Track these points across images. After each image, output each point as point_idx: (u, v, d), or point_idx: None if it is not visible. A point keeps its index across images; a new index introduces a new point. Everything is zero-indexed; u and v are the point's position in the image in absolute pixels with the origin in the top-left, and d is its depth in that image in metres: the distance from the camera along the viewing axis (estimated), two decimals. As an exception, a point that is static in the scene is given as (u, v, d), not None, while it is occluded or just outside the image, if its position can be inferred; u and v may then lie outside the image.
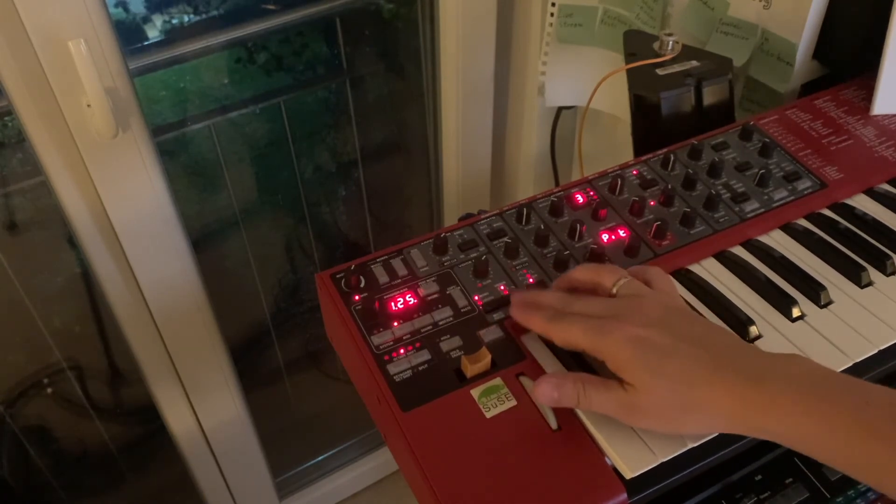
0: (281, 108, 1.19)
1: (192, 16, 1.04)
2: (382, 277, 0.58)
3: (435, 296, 0.57)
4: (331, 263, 1.27)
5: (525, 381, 0.51)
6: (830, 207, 0.66)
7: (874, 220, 0.63)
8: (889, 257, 0.60)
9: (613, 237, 0.62)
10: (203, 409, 1.22)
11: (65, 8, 0.76)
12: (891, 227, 0.63)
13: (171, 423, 1.22)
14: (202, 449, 1.29)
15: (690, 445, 0.47)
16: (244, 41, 1.10)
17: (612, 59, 0.97)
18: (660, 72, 0.74)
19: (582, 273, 0.54)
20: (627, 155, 0.73)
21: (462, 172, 1.28)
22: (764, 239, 0.63)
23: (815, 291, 0.57)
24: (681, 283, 0.59)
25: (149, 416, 1.22)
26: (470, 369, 0.51)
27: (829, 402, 0.42)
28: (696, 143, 0.68)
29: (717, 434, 0.47)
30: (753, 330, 0.54)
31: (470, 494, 0.45)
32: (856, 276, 0.58)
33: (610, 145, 1.14)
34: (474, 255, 0.60)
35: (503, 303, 0.56)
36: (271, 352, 1.45)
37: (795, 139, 0.70)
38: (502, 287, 0.57)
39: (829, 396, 0.42)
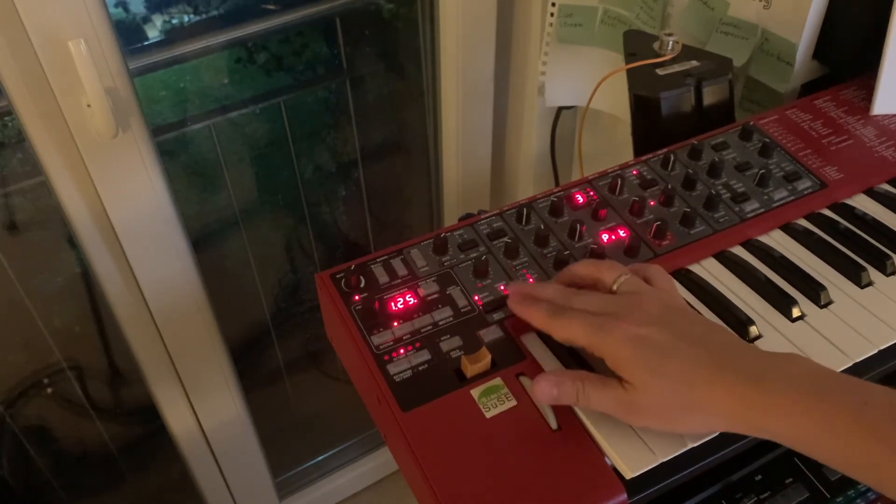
0: (281, 108, 1.19)
1: (192, 16, 1.04)
2: (382, 277, 0.58)
3: (435, 296, 0.57)
4: (331, 263, 1.27)
5: (525, 381, 0.51)
6: (830, 207, 0.66)
7: (874, 220, 0.63)
8: (889, 257, 0.60)
9: (613, 237, 0.62)
10: (203, 409, 1.22)
11: (65, 8, 0.76)
12: (891, 227, 0.63)
13: (171, 423, 1.22)
14: (202, 449, 1.29)
15: (690, 445, 0.47)
16: (244, 41, 1.10)
17: (612, 59, 0.97)
18: (660, 72, 0.74)
19: (583, 268, 0.54)
20: (627, 155, 0.73)
21: (462, 172, 1.28)
22: (764, 239, 0.63)
23: (815, 291, 0.57)
24: (681, 283, 0.59)
25: (149, 416, 1.22)
26: (470, 369, 0.51)
27: (828, 401, 0.42)
28: (696, 143, 0.68)
29: (717, 434, 0.47)
30: (753, 330, 0.54)
31: (470, 494, 0.45)
32: (856, 276, 0.58)
33: (610, 145, 1.14)
34: (474, 255, 0.60)
35: (503, 303, 0.56)
36: (271, 352, 1.45)
37: (795, 139, 0.70)
38: (502, 287, 0.57)
39: (829, 396, 0.42)
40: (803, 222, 0.64)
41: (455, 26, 1.09)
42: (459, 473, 0.46)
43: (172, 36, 1.04)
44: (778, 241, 0.63)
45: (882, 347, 0.53)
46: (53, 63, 0.79)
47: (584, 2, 0.96)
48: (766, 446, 0.55)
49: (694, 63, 0.75)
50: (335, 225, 1.41)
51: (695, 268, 0.61)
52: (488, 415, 0.49)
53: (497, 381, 0.51)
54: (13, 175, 1.01)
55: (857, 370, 0.52)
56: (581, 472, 0.46)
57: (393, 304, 0.56)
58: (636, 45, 0.79)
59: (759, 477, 0.57)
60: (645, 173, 0.67)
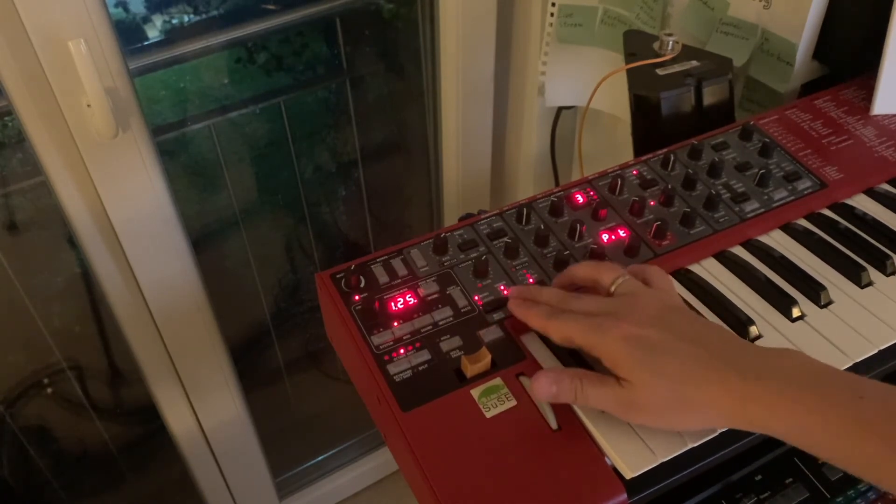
0: (281, 108, 1.19)
1: (192, 16, 1.04)
2: (382, 277, 0.58)
3: (435, 296, 0.57)
4: (331, 263, 1.27)
5: (525, 381, 0.51)
6: (830, 207, 0.66)
7: (874, 220, 0.63)
8: (889, 257, 0.60)
9: (613, 237, 0.62)
10: (203, 409, 1.22)
11: (65, 8, 0.76)
12: (891, 227, 0.63)
13: (171, 423, 1.22)
14: (202, 449, 1.29)
15: (690, 445, 0.47)
16: (244, 41, 1.10)
17: (612, 59, 0.97)
18: (660, 72, 0.74)
19: (581, 270, 0.54)
20: (627, 155, 0.73)
21: (462, 172, 1.28)
22: (764, 239, 0.63)
23: (815, 291, 0.57)
24: (681, 283, 0.59)
25: (149, 416, 1.22)
26: (470, 369, 0.51)
27: (823, 397, 0.42)
28: (696, 143, 0.68)
29: (717, 434, 0.47)
30: (753, 330, 0.54)
31: (470, 494, 0.45)
32: (856, 276, 0.58)
33: (610, 145, 1.14)
34: (474, 255, 0.60)
35: (503, 303, 0.56)
36: (271, 352, 1.45)
37: (795, 139, 0.70)
38: (502, 287, 0.57)
39: (824, 391, 0.42)
40: (803, 222, 0.64)
41: (455, 26, 1.09)
42: (459, 473, 0.46)
43: (172, 36, 1.04)
44: (778, 241, 0.63)
45: (882, 347, 0.53)
46: (53, 63, 0.79)
47: (584, 2, 0.96)
48: (766, 446, 0.55)
49: (694, 63, 0.75)
50: (335, 225, 1.41)
51: (695, 268, 0.61)
52: (488, 415, 0.49)
53: (497, 381, 0.51)
54: (13, 175, 1.01)
55: (857, 370, 0.52)
56: (581, 472, 0.46)
57: (393, 304, 0.56)
58: (636, 45, 0.79)
59: (759, 477, 0.57)
60: (645, 173, 0.67)
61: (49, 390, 1.20)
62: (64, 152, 0.87)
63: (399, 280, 0.58)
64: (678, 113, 0.73)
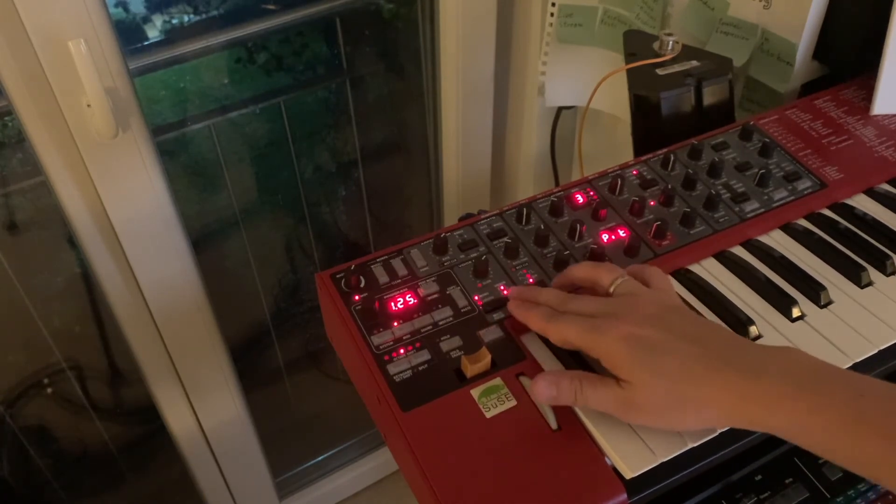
0: (281, 108, 1.19)
1: (192, 16, 1.04)
2: (382, 277, 0.58)
3: (435, 296, 0.57)
4: (331, 263, 1.27)
5: (525, 381, 0.51)
6: (830, 207, 0.66)
7: (874, 220, 0.63)
8: (889, 257, 0.60)
9: (613, 237, 0.62)
10: (203, 409, 1.22)
11: (65, 8, 0.76)
12: (891, 227, 0.63)
13: (171, 423, 1.22)
14: (202, 449, 1.29)
15: (690, 445, 0.47)
16: (244, 41, 1.10)
17: (612, 59, 0.97)
18: (660, 72, 0.74)
19: (580, 271, 0.54)
20: (627, 155, 0.73)
21: (462, 172, 1.28)
22: (764, 239, 0.63)
23: (815, 291, 0.57)
24: (681, 283, 0.59)
25: (149, 416, 1.22)
26: (470, 369, 0.51)
27: (823, 394, 0.42)
28: (696, 143, 0.68)
29: (717, 434, 0.47)
30: (753, 330, 0.54)
31: (470, 494, 0.45)
32: (856, 276, 0.58)
33: (610, 145, 1.14)
34: (474, 255, 0.60)
35: (503, 303, 0.56)
36: (271, 352, 1.45)
37: (795, 139, 0.70)
38: (502, 287, 0.57)
39: (824, 389, 0.42)
40: (803, 222, 0.64)
41: (455, 26, 1.09)
42: (459, 473, 0.46)
43: (172, 36, 1.04)
44: (778, 241, 0.63)
45: (882, 347, 0.53)
46: (53, 63, 0.79)
47: (584, 2, 0.96)
48: (766, 446, 0.55)
49: (694, 63, 0.75)
50: (335, 225, 1.41)
51: (695, 268, 0.61)
52: (488, 415, 0.49)
53: (497, 381, 0.51)
54: (13, 175, 1.01)
55: (857, 370, 0.52)
56: (581, 472, 0.46)
57: (393, 304, 0.56)
58: (636, 45, 0.79)
59: (759, 477, 0.57)
60: (645, 173, 0.67)
61: (49, 390, 1.20)
62: (64, 152, 0.87)
63: (399, 280, 0.58)
64: (678, 113, 0.73)
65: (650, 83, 0.73)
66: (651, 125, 0.74)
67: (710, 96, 0.74)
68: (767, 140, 0.69)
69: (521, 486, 0.45)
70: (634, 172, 0.67)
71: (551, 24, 0.98)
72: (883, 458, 0.40)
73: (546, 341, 0.54)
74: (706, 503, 0.55)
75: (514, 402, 0.49)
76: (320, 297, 0.60)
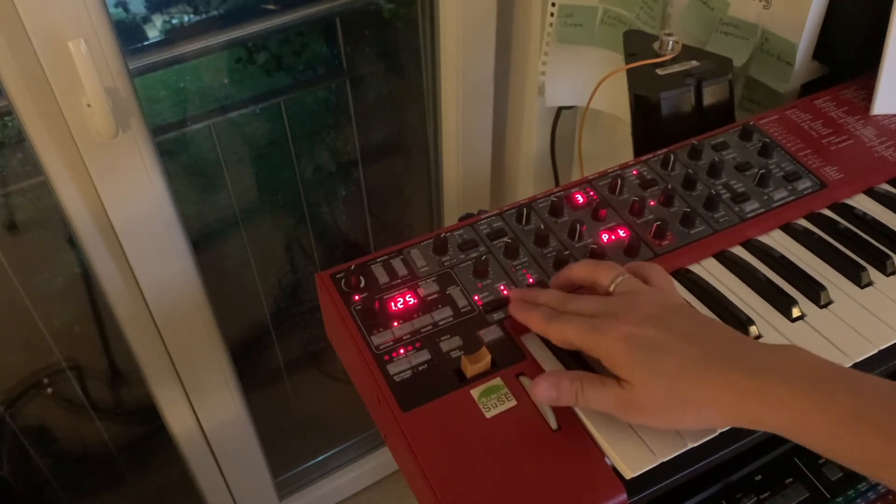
0: (281, 108, 1.19)
1: (192, 16, 1.04)
2: (382, 277, 0.58)
3: (435, 296, 0.57)
4: (331, 263, 1.27)
5: (525, 381, 0.51)
6: (830, 207, 0.66)
7: (874, 220, 0.63)
8: (889, 257, 0.60)
9: (613, 237, 0.62)
10: (203, 409, 1.22)
11: (65, 8, 0.76)
12: (891, 227, 0.63)
13: (171, 423, 1.22)
14: (202, 449, 1.29)
15: (690, 445, 0.47)
16: (244, 41, 1.10)
17: (612, 59, 0.97)
18: (660, 72, 0.74)
19: (579, 270, 0.54)
20: (627, 155, 0.73)
21: (462, 172, 1.28)
22: (764, 239, 0.63)
23: (815, 291, 0.57)
24: (681, 283, 0.59)
25: (149, 416, 1.22)
26: (470, 369, 0.51)
27: (824, 392, 0.42)
28: (696, 143, 0.68)
29: (717, 433, 0.47)
30: (753, 330, 0.54)
31: (470, 494, 0.45)
32: (856, 276, 0.58)
33: (610, 145, 1.14)
34: (474, 255, 0.60)
35: (503, 303, 0.56)
36: (271, 352, 1.45)
37: (795, 139, 0.70)
38: (502, 287, 0.57)
39: (825, 387, 0.42)
40: (803, 222, 0.64)
41: (455, 26, 1.09)
42: (459, 473, 0.46)
43: (172, 36, 1.04)
44: (778, 241, 0.63)
45: (882, 347, 0.53)
46: (53, 63, 0.79)
47: (584, 2, 0.96)
48: (766, 446, 0.55)
49: (694, 63, 0.75)
50: (335, 225, 1.41)
51: (695, 268, 0.61)
52: (488, 415, 0.49)
53: (497, 381, 0.51)
54: (13, 175, 1.01)
55: (857, 370, 0.52)
56: (581, 472, 0.46)
57: (393, 304, 0.56)
58: (636, 45, 0.79)
59: (759, 477, 0.57)
60: (645, 173, 0.67)
61: (49, 390, 1.20)
62: (64, 152, 0.87)
63: (399, 280, 0.58)
64: (678, 113, 0.73)
65: (650, 83, 0.73)
66: (651, 125, 0.74)
67: (710, 96, 0.74)
68: (767, 140, 0.69)
69: (521, 486, 0.45)
70: (634, 172, 0.67)
71: (551, 24, 0.98)
72: (885, 457, 0.40)
73: (546, 341, 0.54)
74: (706, 503, 0.55)
75: (514, 402, 0.49)
76: (320, 297, 0.60)
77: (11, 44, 0.78)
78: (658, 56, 0.76)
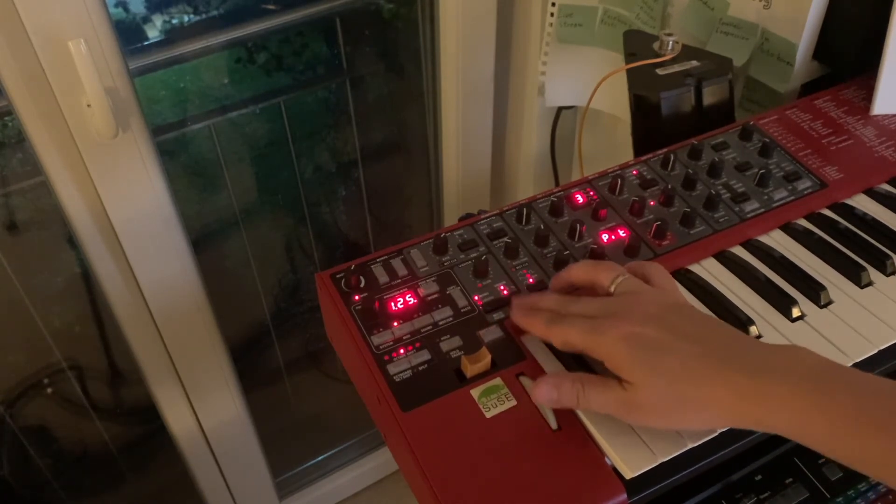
0: (281, 108, 1.19)
1: (192, 16, 1.04)
2: (382, 277, 0.58)
3: (435, 296, 0.57)
4: (331, 263, 1.27)
5: (525, 381, 0.51)
6: (830, 207, 0.66)
7: (874, 220, 0.63)
8: (889, 257, 0.60)
9: (613, 237, 0.62)
10: (203, 409, 1.22)
11: (65, 8, 0.76)
12: (891, 227, 0.63)
13: (171, 423, 1.22)
14: (202, 449, 1.29)
15: (690, 445, 0.47)
16: (244, 41, 1.10)
17: (612, 59, 0.97)
18: (660, 72, 0.74)
19: (578, 272, 0.53)
20: (627, 155, 0.73)
21: (462, 172, 1.28)
22: (764, 239, 0.63)
23: (815, 291, 0.57)
24: (681, 282, 0.59)
25: (149, 416, 1.22)
26: (470, 369, 0.51)
27: (827, 393, 0.41)
28: (696, 143, 0.68)
29: (717, 434, 0.47)
30: (753, 330, 0.54)
31: (470, 494, 0.45)
32: (856, 276, 0.58)
33: (610, 145, 1.14)
34: (474, 255, 0.60)
35: (503, 303, 0.56)
36: (271, 352, 1.45)
37: (795, 139, 0.70)
38: (502, 287, 0.57)
39: (828, 387, 0.42)
40: (803, 222, 0.64)
41: (455, 26, 1.09)
42: (459, 473, 0.46)
43: (172, 36, 1.04)
44: (778, 241, 0.63)
45: (882, 347, 0.53)
46: (53, 63, 0.79)
47: (584, 2, 0.96)
48: (766, 446, 0.55)
49: (694, 63, 0.75)
50: (335, 225, 1.41)
51: (695, 268, 0.61)
52: (488, 415, 0.49)
53: (497, 381, 0.51)
54: (13, 175, 1.01)
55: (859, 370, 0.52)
56: (581, 472, 0.46)
57: (393, 304, 0.56)
58: (636, 45, 0.79)
59: (759, 477, 0.57)
60: (645, 173, 0.67)
61: (49, 390, 1.20)
62: (64, 152, 0.87)
63: (399, 280, 0.58)
64: (678, 113, 0.73)
65: (650, 83, 0.73)
66: (651, 125, 0.74)
67: (710, 96, 0.74)
68: (767, 140, 0.69)
69: (521, 486, 0.45)
70: (634, 172, 0.67)
71: (551, 24, 0.98)
72: (887, 457, 0.39)
73: (549, 343, 0.53)
74: (706, 503, 0.55)
75: (514, 402, 0.49)
76: (320, 297, 0.60)
77: (11, 44, 0.78)
78: (658, 56, 0.76)
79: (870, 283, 0.58)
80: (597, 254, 0.59)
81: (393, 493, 1.65)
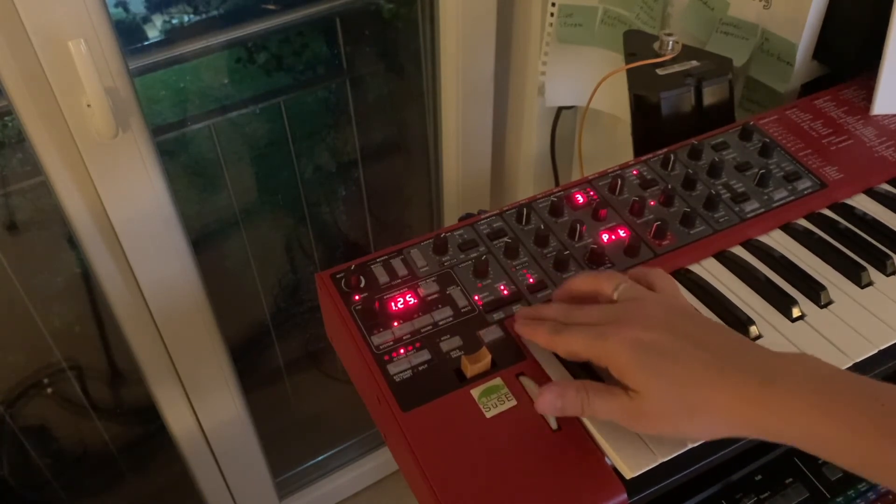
0: (281, 108, 1.19)
1: (192, 16, 1.04)
2: (382, 277, 0.58)
3: (435, 296, 0.57)
4: (331, 263, 1.27)
5: (525, 381, 0.51)
6: (830, 207, 0.66)
7: (874, 220, 0.63)
8: (889, 257, 0.60)
9: (613, 237, 0.62)
10: (203, 409, 1.22)
11: (65, 8, 0.76)
12: (891, 227, 0.63)
13: (171, 423, 1.22)
14: (202, 449, 1.29)
15: (690, 445, 0.47)
16: (244, 41, 1.10)
17: (612, 59, 0.97)
18: (660, 72, 0.74)
19: (581, 282, 0.53)
20: (627, 155, 0.73)
21: (462, 172, 1.28)
22: (764, 239, 0.63)
23: (815, 291, 0.57)
24: (681, 283, 0.59)
25: (149, 416, 1.22)
26: (470, 369, 0.51)
27: (838, 401, 0.41)
28: (696, 143, 0.68)
29: (719, 435, 0.47)
30: (753, 330, 0.54)
31: (470, 494, 0.45)
32: (856, 276, 0.58)
33: (610, 145, 1.14)
34: (474, 255, 0.60)
35: (503, 303, 0.56)
36: (271, 352, 1.45)
37: (795, 139, 0.70)
38: (502, 287, 0.57)
39: (840, 396, 0.41)
40: (803, 222, 0.64)
41: (455, 26, 1.09)
42: (459, 473, 0.46)
43: (172, 36, 1.04)
44: (778, 241, 0.63)
45: (882, 347, 0.53)
46: (53, 63, 0.79)
47: (584, 2, 0.96)
48: (766, 446, 0.55)
49: (694, 63, 0.75)
50: (335, 225, 1.41)
51: (695, 268, 0.61)
52: (488, 415, 0.49)
53: (497, 381, 0.51)
54: (13, 175, 1.01)
55: (857, 370, 0.52)
56: (581, 472, 0.46)
57: (393, 304, 0.56)
58: (636, 45, 0.79)
59: (759, 477, 0.57)
60: (645, 173, 0.67)
61: (49, 390, 1.20)
62: (64, 152, 0.87)
63: (399, 280, 0.58)
64: (678, 113, 0.73)
65: (650, 83, 0.73)
66: (651, 125, 0.74)
67: (710, 96, 0.74)
68: (767, 140, 0.69)
69: (521, 486, 0.45)
70: (634, 172, 0.67)
71: (551, 24, 0.99)
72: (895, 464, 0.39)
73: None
74: (706, 503, 0.55)
75: (514, 402, 0.49)
76: (320, 297, 0.60)
77: (11, 44, 0.78)
78: (658, 56, 0.76)
79: (870, 283, 0.58)
80: (597, 254, 0.59)
81: (393, 493, 1.65)
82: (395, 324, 0.55)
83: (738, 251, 0.62)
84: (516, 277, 0.58)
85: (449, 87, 1.18)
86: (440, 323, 0.55)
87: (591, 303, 0.52)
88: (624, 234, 0.62)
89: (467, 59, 1.13)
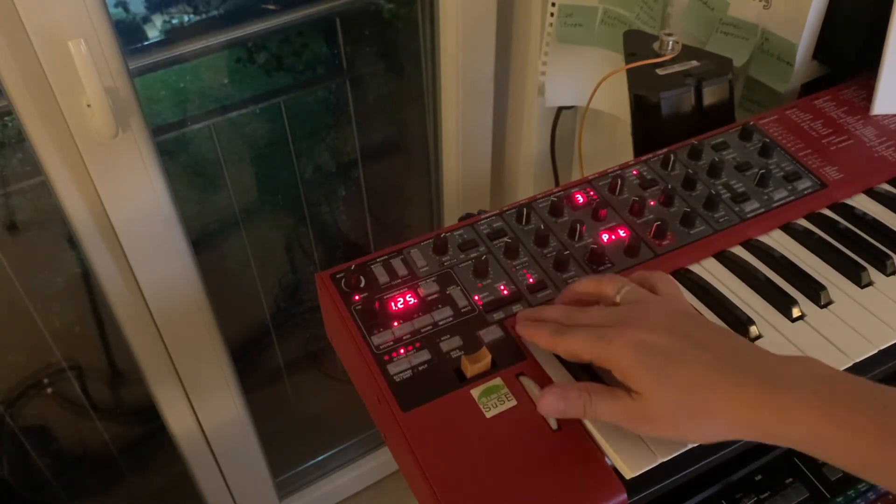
0: (281, 108, 1.19)
1: (192, 16, 1.04)
2: (382, 277, 0.58)
3: (435, 296, 0.57)
4: (331, 263, 1.27)
5: (525, 381, 0.51)
6: (830, 207, 0.66)
7: (874, 220, 0.63)
8: (889, 257, 0.60)
9: (613, 237, 0.62)
10: (203, 409, 1.22)
11: (65, 8, 0.76)
12: (891, 227, 0.63)
13: (171, 423, 1.22)
14: (202, 449, 1.29)
15: (691, 445, 0.47)
16: (244, 41, 1.10)
17: (612, 59, 0.97)
18: (660, 72, 0.74)
19: (584, 285, 0.53)
20: (627, 155, 0.73)
21: (462, 172, 1.28)
22: (764, 239, 0.63)
23: (815, 291, 0.57)
24: (681, 283, 0.59)
25: (149, 416, 1.22)
26: (470, 369, 0.51)
27: (842, 404, 0.41)
28: (696, 143, 0.68)
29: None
30: (753, 330, 0.54)
31: (470, 494, 0.45)
32: (856, 276, 0.58)
33: (610, 145, 1.14)
34: (474, 255, 0.60)
35: (503, 303, 0.56)
36: (271, 352, 1.45)
37: (795, 139, 0.70)
38: (502, 287, 0.57)
39: (843, 399, 0.41)
40: (803, 222, 0.64)
41: (455, 26, 1.09)
42: (459, 473, 0.46)
43: (172, 36, 1.04)
44: (778, 241, 0.63)
45: (882, 347, 0.53)
46: (53, 63, 0.79)
47: (584, 2, 0.96)
48: (765, 446, 0.55)
49: (694, 63, 0.75)
50: (335, 225, 1.41)
51: (695, 268, 0.61)
52: (488, 415, 0.49)
53: (497, 381, 0.51)
54: (13, 175, 1.01)
55: (857, 370, 0.52)
56: (581, 472, 0.46)
57: (393, 304, 0.56)
58: (636, 45, 0.79)
59: (759, 477, 0.57)
60: (645, 173, 0.67)
61: (49, 390, 1.20)
62: (64, 152, 0.87)
63: (399, 280, 0.58)
64: (678, 113, 0.73)
65: (650, 83, 0.73)
66: (651, 125, 0.74)
67: (710, 96, 0.74)
68: (767, 140, 0.69)
69: (521, 486, 0.45)
70: (634, 172, 0.67)
71: (551, 24, 0.98)
72: None
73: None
74: (706, 503, 0.55)
75: (514, 402, 0.49)
76: (320, 297, 0.60)
77: (11, 44, 0.78)
78: (658, 56, 0.76)
79: (870, 283, 0.58)
80: (597, 254, 0.59)
81: (393, 493, 1.65)
82: (395, 324, 0.55)
83: (738, 251, 0.62)
84: (516, 277, 0.58)
85: (449, 87, 1.18)
86: (440, 323, 0.55)
87: (593, 305, 0.52)
88: (624, 234, 0.62)
89: (467, 59, 1.13)
